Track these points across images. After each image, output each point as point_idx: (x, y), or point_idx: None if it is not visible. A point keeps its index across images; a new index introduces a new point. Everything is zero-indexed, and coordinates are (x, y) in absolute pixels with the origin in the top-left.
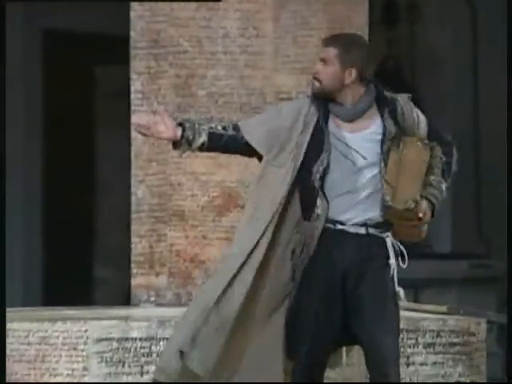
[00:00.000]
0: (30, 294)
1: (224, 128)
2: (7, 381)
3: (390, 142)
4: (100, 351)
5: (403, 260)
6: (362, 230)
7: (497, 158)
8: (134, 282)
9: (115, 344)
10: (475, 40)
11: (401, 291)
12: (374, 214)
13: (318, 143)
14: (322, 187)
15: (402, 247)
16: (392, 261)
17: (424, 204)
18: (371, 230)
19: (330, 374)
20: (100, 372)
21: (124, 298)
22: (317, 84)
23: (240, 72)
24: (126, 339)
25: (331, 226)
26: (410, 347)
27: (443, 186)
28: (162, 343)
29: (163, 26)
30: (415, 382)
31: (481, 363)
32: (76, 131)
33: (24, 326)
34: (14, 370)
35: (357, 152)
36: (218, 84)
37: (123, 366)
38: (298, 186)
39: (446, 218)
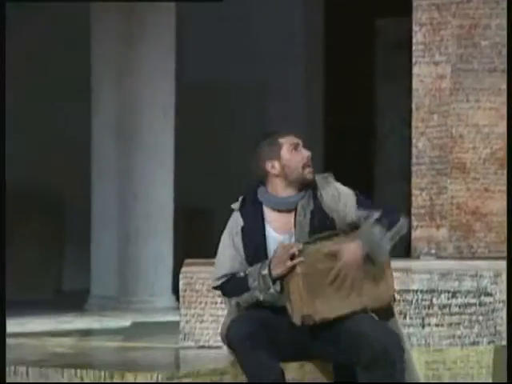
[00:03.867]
0: None
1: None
2: None
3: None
4: None
5: None
6: None
7: None
8: (414, 234)
9: (396, 296)
10: None
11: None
12: None
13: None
14: None
15: None
16: None
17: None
18: None
19: None
20: None
21: (404, 250)
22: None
23: None
24: (407, 291)
25: None
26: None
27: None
28: (443, 296)
29: None
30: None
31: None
32: (357, 80)
33: None
34: None
35: None
36: (501, 34)
37: (405, 317)
38: None
39: None
